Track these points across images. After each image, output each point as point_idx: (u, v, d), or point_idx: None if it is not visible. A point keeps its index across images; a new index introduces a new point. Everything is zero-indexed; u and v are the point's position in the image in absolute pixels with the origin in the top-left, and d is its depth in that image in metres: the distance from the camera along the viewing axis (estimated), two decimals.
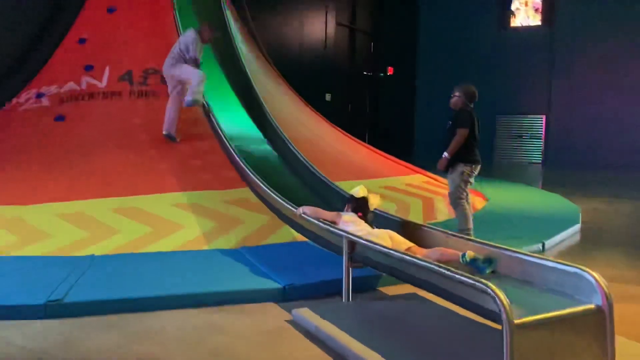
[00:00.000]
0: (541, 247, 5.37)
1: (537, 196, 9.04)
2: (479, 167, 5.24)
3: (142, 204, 5.40)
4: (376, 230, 3.99)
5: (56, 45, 7.94)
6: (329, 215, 4.22)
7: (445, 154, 5.14)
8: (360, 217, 4.10)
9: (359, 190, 4.22)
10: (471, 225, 5.12)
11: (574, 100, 16.68)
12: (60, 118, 6.87)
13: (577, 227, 6.52)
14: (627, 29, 15.77)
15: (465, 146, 5.14)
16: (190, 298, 3.76)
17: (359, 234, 3.80)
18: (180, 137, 6.62)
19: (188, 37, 6.57)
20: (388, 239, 3.79)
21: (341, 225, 4.04)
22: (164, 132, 6.52)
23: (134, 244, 4.85)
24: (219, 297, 3.81)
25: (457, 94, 5.29)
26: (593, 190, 10.43)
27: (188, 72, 6.46)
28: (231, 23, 8.50)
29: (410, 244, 3.77)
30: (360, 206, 4.16)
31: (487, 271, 3.29)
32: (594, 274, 2.72)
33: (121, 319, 3.47)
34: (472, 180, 5.23)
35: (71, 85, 7.21)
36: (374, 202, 4.22)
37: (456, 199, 5.15)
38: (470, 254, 3.34)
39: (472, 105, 5.29)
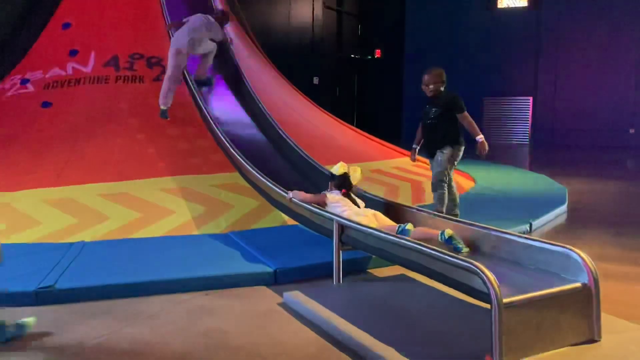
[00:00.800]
0: (528, 228, 5.43)
1: (524, 177, 9.11)
2: (462, 148, 5.26)
3: (131, 189, 5.39)
4: (362, 209, 4.02)
5: (40, 30, 7.83)
6: (315, 198, 4.22)
7: (481, 137, 5.11)
8: (344, 193, 4.11)
9: (338, 168, 4.22)
10: (444, 208, 5.13)
11: (560, 82, 16.77)
12: (46, 104, 6.80)
13: (564, 207, 6.59)
14: (613, 11, 15.82)
15: (456, 129, 5.16)
16: (180, 283, 3.78)
17: (345, 214, 3.84)
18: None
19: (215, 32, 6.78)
20: (373, 219, 3.82)
21: (328, 206, 4.06)
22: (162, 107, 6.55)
23: (124, 229, 4.84)
24: (210, 282, 3.83)
25: (433, 80, 5.28)
26: (579, 171, 10.54)
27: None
28: (217, 5, 8.41)
29: (394, 224, 3.80)
30: (342, 183, 4.17)
31: (463, 250, 3.36)
32: (581, 252, 2.77)
33: (112, 304, 3.48)
34: (456, 163, 5.26)
35: (56, 70, 7.12)
36: (356, 176, 4.23)
37: (440, 182, 5.16)
38: (448, 231, 3.42)
39: None
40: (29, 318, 3.08)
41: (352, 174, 4.23)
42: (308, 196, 4.30)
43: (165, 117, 6.51)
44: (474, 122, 5.17)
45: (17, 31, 7.89)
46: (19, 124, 6.59)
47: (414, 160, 5.60)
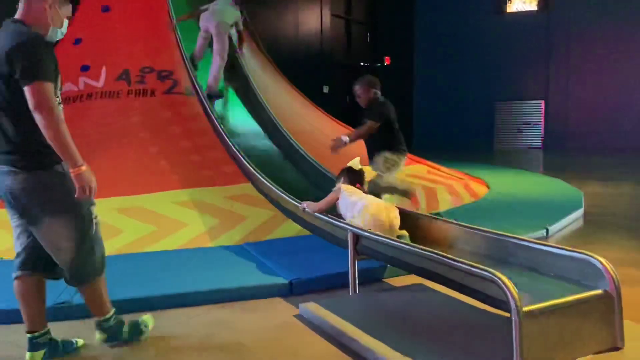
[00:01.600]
0: (545, 233, 5.37)
1: (539, 181, 9.03)
2: (404, 158, 5.11)
3: (145, 203, 5.40)
4: (374, 198, 3.98)
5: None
6: (327, 203, 4.16)
7: (346, 138, 4.94)
8: (358, 188, 4.10)
9: (357, 162, 4.23)
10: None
11: (571, 84, 16.66)
12: None
13: (581, 211, 6.51)
14: (624, 12, 15.71)
15: (392, 135, 5.03)
16: (196, 296, 3.77)
17: (362, 202, 3.80)
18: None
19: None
20: (384, 210, 3.75)
21: (342, 198, 3.99)
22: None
23: (139, 243, 4.85)
24: (225, 294, 3.81)
25: (361, 91, 5.13)
26: (594, 174, 10.43)
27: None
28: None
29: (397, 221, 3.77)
30: (357, 178, 4.16)
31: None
32: (601, 259, 2.72)
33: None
34: (398, 170, 5.09)
35: (69, 86, 7.17)
36: (370, 174, 4.35)
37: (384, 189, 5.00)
38: (405, 233, 3.65)
39: (380, 94, 5.15)
40: (146, 317, 3.19)
41: (367, 172, 4.31)
42: (320, 204, 4.24)
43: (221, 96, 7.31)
44: (363, 130, 4.97)
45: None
46: None
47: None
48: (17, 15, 2.74)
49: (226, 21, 7.30)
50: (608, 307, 2.64)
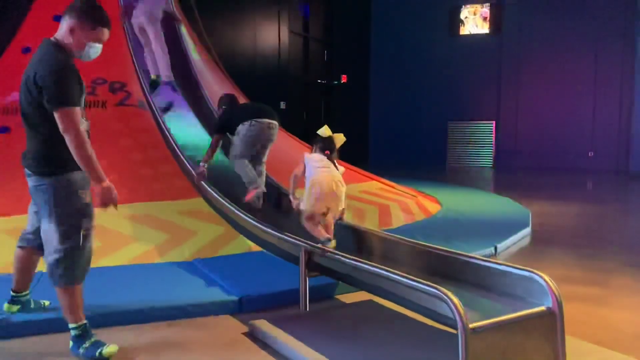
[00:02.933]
0: (494, 251, 5.48)
1: (488, 200, 9.24)
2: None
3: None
4: (339, 179, 4.24)
5: None
6: (297, 177, 4.39)
7: (202, 165, 5.49)
8: (327, 154, 4.28)
9: (325, 130, 4.44)
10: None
11: (521, 106, 17.21)
12: (4, 130, 6.61)
13: (528, 229, 6.69)
14: (571, 36, 16.39)
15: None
16: (142, 313, 3.66)
17: (321, 172, 4.11)
18: None
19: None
20: (333, 185, 4.11)
21: (307, 165, 4.23)
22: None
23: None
24: (173, 312, 3.72)
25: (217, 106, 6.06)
26: (542, 193, 10.75)
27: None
28: (183, 31, 8.40)
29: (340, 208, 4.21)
30: (327, 145, 4.35)
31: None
32: (545, 276, 2.79)
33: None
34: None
35: (15, 95, 6.92)
36: (339, 140, 4.46)
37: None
38: (333, 243, 3.88)
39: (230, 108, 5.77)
40: (112, 347, 3.12)
41: (336, 138, 4.44)
42: (295, 179, 4.41)
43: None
44: (209, 149, 5.58)
45: None
46: None
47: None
48: (56, 35, 3.06)
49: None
50: (551, 324, 2.70)
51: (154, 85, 7.39)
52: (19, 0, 8.10)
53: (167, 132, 6.55)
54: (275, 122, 5.54)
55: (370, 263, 3.26)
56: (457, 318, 2.40)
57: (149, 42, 7.38)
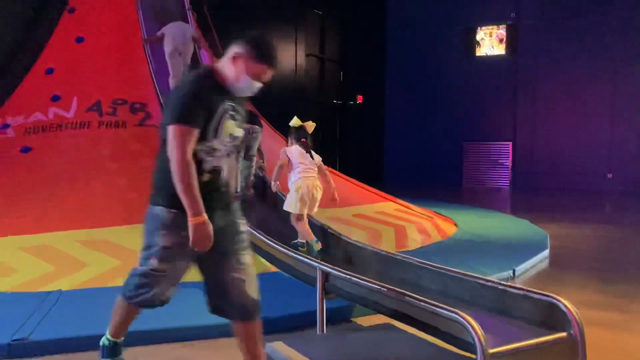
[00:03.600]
0: (512, 274, 5.43)
1: (505, 222, 9.17)
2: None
3: (111, 236, 5.30)
4: (313, 172, 4.99)
5: (23, 75, 7.83)
6: (279, 169, 5.14)
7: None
8: (304, 143, 4.96)
9: (295, 121, 5.06)
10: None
11: (538, 127, 17.14)
12: (26, 149, 6.74)
13: (546, 252, 6.62)
14: (588, 57, 16.35)
15: None
16: (161, 333, 3.68)
17: (301, 177, 4.90)
18: None
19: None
20: (314, 191, 4.96)
21: (292, 158, 4.99)
22: None
23: (103, 277, 4.73)
24: (190, 332, 3.74)
25: None
26: (559, 215, 10.65)
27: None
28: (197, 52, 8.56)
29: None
30: (301, 134, 5.01)
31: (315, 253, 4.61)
32: (566, 302, 2.76)
33: (90, 356, 3.37)
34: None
35: (38, 115, 7.09)
36: (311, 127, 5.13)
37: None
38: (318, 246, 4.59)
39: None
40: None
41: (308, 125, 5.09)
42: (276, 172, 5.19)
43: None
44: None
45: (0, 76, 7.88)
46: None
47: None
48: (219, 61, 2.83)
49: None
50: (572, 351, 2.67)
51: None
52: (44, 23, 8.29)
53: None
54: (256, 127, 6.14)
55: (388, 286, 3.26)
56: (477, 343, 2.38)
57: (179, 68, 7.56)
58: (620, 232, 8.78)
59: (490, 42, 17.93)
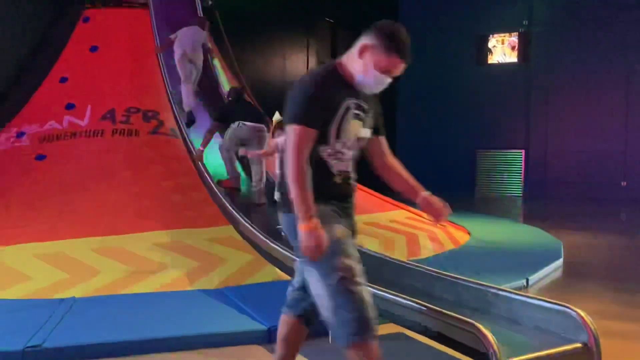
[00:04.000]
0: (525, 283, 5.38)
1: (519, 230, 9.11)
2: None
3: (124, 243, 5.33)
4: None
5: (38, 84, 7.93)
6: (266, 151, 5.87)
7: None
8: None
9: (278, 116, 5.52)
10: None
11: (551, 134, 17.01)
12: (40, 157, 6.81)
13: (560, 261, 6.55)
14: (600, 64, 16.23)
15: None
16: (172, 341, 3.69)
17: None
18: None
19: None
20: None
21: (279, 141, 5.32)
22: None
23: (116, 284, 4.76)
24: (202, 340, 3.74)
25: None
26: (573, 223, 10.54)
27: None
28: (215, 62, 8.61)
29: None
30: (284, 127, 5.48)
31: None
32: (580, 312, 2.73)
33: None
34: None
35: (52, 124, 7.17)
36: None
37: None
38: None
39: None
40: None
41: None
42: (259, 152, 5.91)
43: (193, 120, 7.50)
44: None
45: (16, 85, 7.99)
46: (12, 177, 6.57)
47: None
48: (343, 56, 2.60)
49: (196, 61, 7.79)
50: None
51: (190, 122, 7.50)
52: (59, 33, 8.41)
53: (196, 160, 6.65)
54: (262, 126, 6.52)
55: (400, 295, 3.24)
56: (492, 353, 2.36)
57: (190, 73, 7.56)
58: (636, 241, 8.68)
59: (502, 49, 17.86)
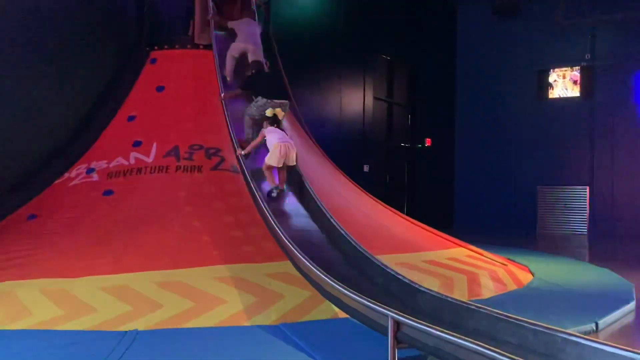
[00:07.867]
0: (594, 327, 5.13)
1: (585, 271, 8.73)
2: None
3: (185, 278, 5.44)
4: (283, 143, 6.27)
5: (107, 122, 8.31)
6: (257, 140, 6.50)
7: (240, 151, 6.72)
8: (277, 127, 6.50)
9: (269, 112, 6.49)
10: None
11: (617, 171, 16.38)
12: (108, 192, 7.09)
13: (632, 304, 6.22)
14: None
15: None
16: None
17: (275, 139, 6.27)
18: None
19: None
20: (286, 148, 6.24)
21: (267, 136, 6.35)
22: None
23: (177, 318, 4.85)
24: None
25: None
26: None
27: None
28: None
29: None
30: (274, 121, 6.54)
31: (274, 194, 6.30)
32: None
33: None
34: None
35: (120, 160, 7.47)
36: (280, 114, 6.66)
37: None
38: (279, 190, 6.35)
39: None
40: None
41: (278, 114, 6.60)
42: (252, 143, 6.56)
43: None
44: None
45: (87, 123, 8.39)
46: (81, 212, 6.85)
47: None
48: None
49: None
50: None
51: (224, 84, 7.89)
52: (127, 74, 8.82)
53: (257, 195, 6.74)
54: (285, 102, 6.89)
55: (462, 337, 3.16)
56: None
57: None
58: None
59: (563, 83, 17.47)
